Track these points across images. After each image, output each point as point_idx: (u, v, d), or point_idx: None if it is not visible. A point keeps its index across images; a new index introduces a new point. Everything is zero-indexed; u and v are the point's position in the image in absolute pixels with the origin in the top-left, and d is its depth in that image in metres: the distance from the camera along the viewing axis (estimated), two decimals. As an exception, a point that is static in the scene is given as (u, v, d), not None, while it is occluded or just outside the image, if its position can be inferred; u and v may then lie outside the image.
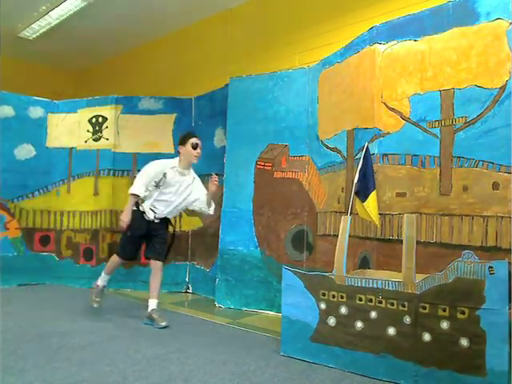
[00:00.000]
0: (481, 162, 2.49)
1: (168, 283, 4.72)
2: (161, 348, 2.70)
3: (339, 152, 3.36)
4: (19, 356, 2.50)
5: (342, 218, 2.56)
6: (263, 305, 3.83)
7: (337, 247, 2.50)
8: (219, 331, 3.18)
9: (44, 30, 5.97)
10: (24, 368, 2.32)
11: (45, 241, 5.02)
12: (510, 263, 2.29)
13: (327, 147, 3.51)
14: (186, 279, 4.77)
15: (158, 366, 2.40)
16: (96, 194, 4.89)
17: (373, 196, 2.54)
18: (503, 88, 2.42)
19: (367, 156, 2.61)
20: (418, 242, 2.63)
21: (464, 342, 2.02)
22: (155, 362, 2.45)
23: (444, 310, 2.09)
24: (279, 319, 2.72)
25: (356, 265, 3.05)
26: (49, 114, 5.10)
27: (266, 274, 3.85)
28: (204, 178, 4.74)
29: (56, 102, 5.15)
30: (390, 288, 2.27)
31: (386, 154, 2.87)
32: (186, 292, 4.72)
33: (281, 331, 2.66)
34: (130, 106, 4.91)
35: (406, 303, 2.21)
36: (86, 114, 5.03)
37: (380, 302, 2.29)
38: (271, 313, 3.73)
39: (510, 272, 2.28)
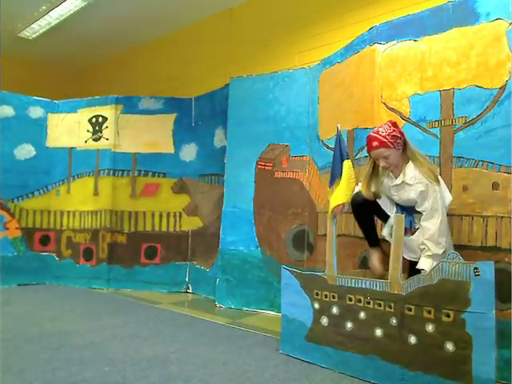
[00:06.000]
0: (481, 162, 2.49)
1: (168, 283, 4.74)
2: (161, 348, 2.71)
3: (339, 152, 3.36)
4: (19, 356, 2.50)
5: (328, 215, 2.54)
6: (264, 305, 3.83)
7: (326, 247, 2.51)
8: (219, 331, 3.18)
9: (44, 30, 5.97)
10: (24, 368, 2.32)
11: (45, 241, 5.03)
12: (510, 263, 2.30)
13: (328, 147, 3.51)
14: (186, 279, 4.77)
15: (158, 365, 2.40)
16: (96, 194, 4.89)
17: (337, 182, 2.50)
18: (503, 88, 2.42)
19: (339, 144, 2.52)
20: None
21: (449, 346, 1.97)
22: (155, 362, 2.45)
23: (429, 313, 2.05)
24: (280, 319, 2.73)
25: (356, 265, 3.05)
26: (49, 113, 5.10)
27: (267, 274, 3.85)
28: (204, 178, 4.79)
29: (56, 101, 5.15)
30: (377, 288, 2.25)
31: (386, 154, 2.86)
32: (186, 292, 4.72)
33: (281, 331, 2.68)
34: (130, 106, 4.91)
35: (392, 304, 2.18)
36: (85, 113, 5.03)
37: (368, 303, 2.27)
38: (272, 313, 3.73)
39: (510, 272, 2.29)
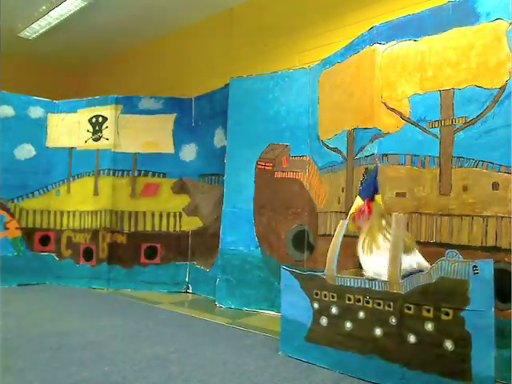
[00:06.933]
0: (481, 162, 2.49)
1: (168, 283, 4.74)
2: (161, 348, 2.70)
3: (340, 152, 3.36)
4: (19, 356, 2.50)
5: (340, 222, 2.58)
6: (264, 305, 3.83)
7: (329, 247, 2.51)
8: (219, 331, 3.18)
9: (44, 30, 5.97)
10: (24, 368, 2.32)
11: (45, 241, 5.02)
12: (509, 263, 2.31)
13: (328, 147, 3.51)
14: (186, 279, 4.77)
15: (158, 366, 2.40)
16: (96, 194, 4.89)
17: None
18: (503, 88, 2.42)
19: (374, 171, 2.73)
20: (417, 242, 2.66)
21: (449, 344, 1.97)
22: (155, 362, 2.45)
23: (428, 311, 2.05)
24: (280, 319, 2.72)
25: (356, 265, 3.05)
26: (49, 113, 5.10)
27: (267, 274, 3.85)
28: (204, 178, 4.79)
29: (56, 101, 5.15)
30: (377, 288, 2.24)
31: (386, 154, 2.86)
32: (186, 292, 4.72)
33: (280, 331, 2.68)
34: (130, 105, 4.91)
35: (391, 303, 2.18)
36: (85, 113, 5.03)
37: (367, 302, 2.27)
38: (272, 313, 3.73)
39: (510, 272, 2.29)
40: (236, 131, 4.08)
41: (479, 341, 1.90)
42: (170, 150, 4.88)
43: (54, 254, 5.04)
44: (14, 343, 2.72)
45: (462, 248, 2.42)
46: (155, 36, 6.27)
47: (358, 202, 2.65)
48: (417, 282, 2.10)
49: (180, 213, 4.84)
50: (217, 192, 4.44)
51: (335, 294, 2.41)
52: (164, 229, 4.83)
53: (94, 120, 4.99)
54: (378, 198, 2.64)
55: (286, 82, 3.91)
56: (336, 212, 3.35)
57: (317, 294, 2.50)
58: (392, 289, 2.18)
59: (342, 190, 3.29)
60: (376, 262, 2.35)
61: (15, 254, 4.83)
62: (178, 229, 4.83)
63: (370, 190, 2.64)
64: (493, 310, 1.89)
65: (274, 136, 3.92)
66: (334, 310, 2.41)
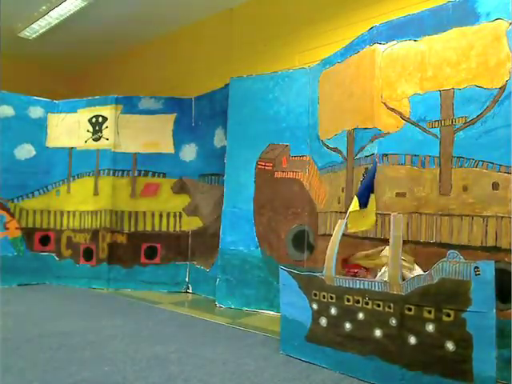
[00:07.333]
0: (481, 162, 2.48)
1: (168, 283, 4.74)
2: (161, 348, 2.70)
3: (340, 152, 3.36)
4: (19, 356, 2.50)
5: (339, 221, 2.58)
6: (264, 305, 3.83)
7: (328, 247, 2.51)
8: (219, 331, 3.18)
9: (44, 30, 5.97)
10: (24, 368, 2.32)
11: (45, 241, 5.02)
12: (510, 263, 2.30)
13: (328, 147, 3.52)
14: (186, 279, 4.77)
15: (157, 366, 2.40)
16: (96, 193, 4.89)
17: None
18: (503, 88, 2.42)
19: (373, 170, 2.74)
20: (417, 242, 2.66)
21: (450, 345, 1.97)
22: (155, 362, 2.45)
23: (429, 312, 2.05)
24: (280, 319, 2.72)
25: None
26: (49, 113, 5.10)
27: (267, 274, 3.84)
28: (204, 178, 4.79)
29: (56, 101, 5.15)
30: (376, 289, 2.24)
31: (386, 154, 2.87)
32: (186, 292, 4.72)
33: (280, 331, 2.68)
34: (130, 105, 4.91)
35: (391, 305, 2.18)
36: (85, 113, 5.03)
37: (367, 303, 2.27)
38: (272, 313, 3.73)
39: (510, 272, 2.29)
40: (236, 131, 4.08)
41: (480, 342, 1.90)
42: (170, 149, 4.88)
43: (53, 254, 5.04)
44: (14, 343, 2.72)
45: (462, 248, 2.43)
46: (155, 36, 6.27)
47: (355, 202, 2.66)
48: (417, 283, 2.10)
49: (180, 213, 4.84)
50: (217, 192, 4.44)
51: (334, 295, 2.41)
52: (164, 229, 4.83)
53: (93, 120, 4.99)
54: (372, 197, 2.67)
55: (286, 82, 3.91)
56: (336, 212, 3.35)
57: (315, 295, 2.49)
58: (392, 290, 2.18)
59: (342, 190, 3.29)
60: None
61: (15, 253, 4.83)
62: (178, 229, 4.83)
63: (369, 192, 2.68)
64: (494, 311, 1.89)
65: (274, 136, 3.92)
66: (333, 311, 2.41)
